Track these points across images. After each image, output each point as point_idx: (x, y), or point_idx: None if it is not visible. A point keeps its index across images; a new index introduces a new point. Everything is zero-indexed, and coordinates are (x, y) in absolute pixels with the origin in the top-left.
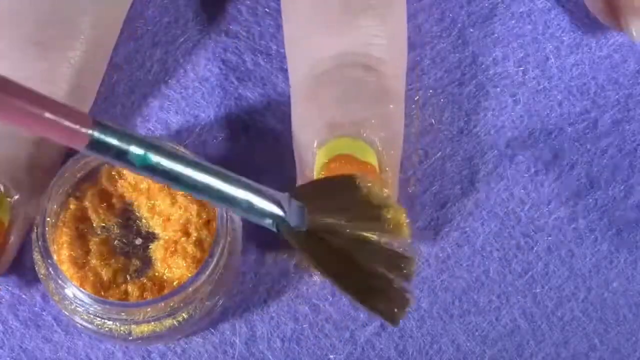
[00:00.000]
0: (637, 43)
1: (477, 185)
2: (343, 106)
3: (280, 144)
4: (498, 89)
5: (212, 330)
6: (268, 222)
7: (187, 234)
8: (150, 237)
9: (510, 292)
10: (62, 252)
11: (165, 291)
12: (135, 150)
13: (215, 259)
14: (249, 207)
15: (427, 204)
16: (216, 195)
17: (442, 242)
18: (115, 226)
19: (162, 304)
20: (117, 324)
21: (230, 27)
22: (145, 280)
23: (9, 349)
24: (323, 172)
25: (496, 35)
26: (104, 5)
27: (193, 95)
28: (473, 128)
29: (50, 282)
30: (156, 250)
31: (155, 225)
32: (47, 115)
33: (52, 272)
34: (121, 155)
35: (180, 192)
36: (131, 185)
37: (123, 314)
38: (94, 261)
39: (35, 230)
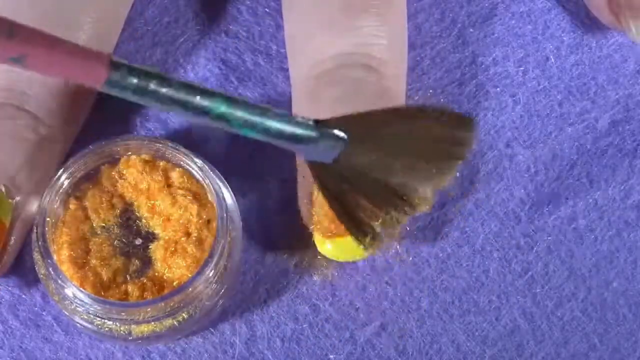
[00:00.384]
0: (637, 43)
1: (477, 185)
2: (343, 106)
3: None
4: (498, 89)
5: (212, 330)
6: (296, 146)
7: (187, 234)
8: (150, 237)
9: (510, 292)
10: (62, 252)
11: (165, 291)
12: (153, 86)
13: (215, 259)
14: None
15: None
16: (244, 120)
17: (442, 242)
18: (115, 226)
19: (162, 304)
20: (117, 324)
21: (230, 27)
22: (145, 280)
23: (9, 349)
24: None
25: (496, 35)
26: (105, 5)
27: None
28: None
29: (50, 282)
30: (156, 250)
31: (155, 225)
32: (67, 55)
33: (52, 272)
34: (139, 92)
35: (181, 192)
36: (131, 185)
37: (123, 314)
38: (94, 261)
39: (35, 230)
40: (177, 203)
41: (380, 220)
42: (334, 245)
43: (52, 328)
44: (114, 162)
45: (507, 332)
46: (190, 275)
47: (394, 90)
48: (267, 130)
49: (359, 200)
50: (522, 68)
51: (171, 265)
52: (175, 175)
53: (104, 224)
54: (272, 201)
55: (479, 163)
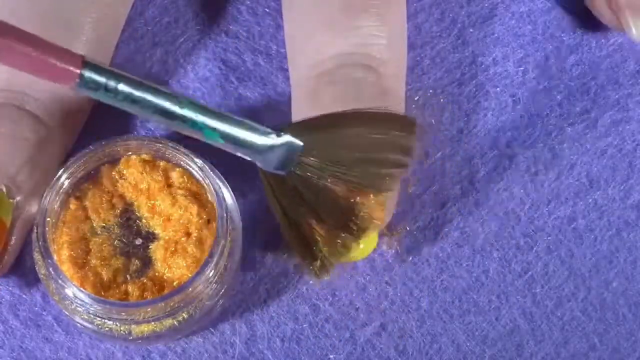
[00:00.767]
0: (637, 43)
1: (477, 185)
2: (343, 106)
3: None
4: (498, 89)
5: (212, 330)
6: (246, 156)
7: (187, 234)
8: (150, 237)
9: (510, 292)
10: (63, 252)
11: (165, 291)
12: (124, 87)
13: (215, 259)
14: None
15: (427, 204)
16: (205, 127)
17: (442, 242)
18: (115, 226)
19: (162, 304)
20: (117, 323)
21: (230, 27)
22: (145, 280)
23: (9, 349)
24: None
25: (496, 35)
26: (105, 5)
27: (193, 95)
28: (473, 128)
29: (50, 282)
30: (156, 250)
31: (155, 225)
32: (39, 54)
33: (52, 272)
34: (110, 92)
35: (181, 192)
36: (131, 185)
37: (123, 313)
38: (94, 261)
39: (35, 230)
40: (177, 203)
41: (329, 246)
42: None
43: (52, 328)
44: (114, 162)
45: (507, 332)
46: (190, 275)
47: (393, 90)
48: (228, 136)
49: (312, 222)
50: (522, 68)
51: (171, 265)
52: (175, 175)
53: (104, 224)
54: None
55: (479, 163)
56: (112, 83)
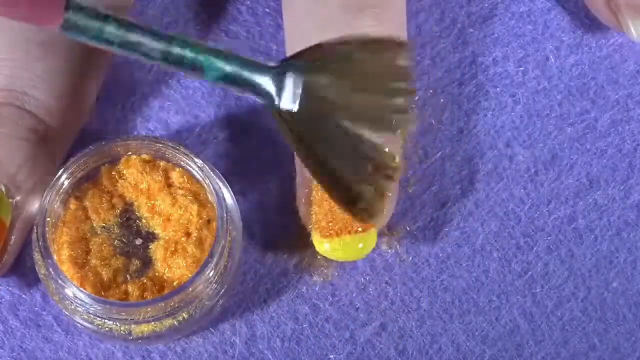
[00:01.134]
0: (637, 43)
1: (477, 185)
2: None
3: (280, 144)
4: (498, 89)
5: (212, 330)
6: (257, 97)
7: (187, 234)
8: (150, 237)
9: (510, 292)
10: (62, 252)
11: (165, 291)
12: (114, 29)
13: (215, 259)
14: (229, 75)
15: (427, 204)
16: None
17: (442, 242)
18: (115, 226)
19: (162, 304)
20: (117, 323)
21: (230, 27)
22: (145, 280)
23: (9, 349)
24: None
25: (496, 35)
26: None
27: (193, 95)
28: (473, 128)
29: (50, 282)
30: (156, 250)
31: (155, 225)
32: None
33: (52, 272)
34: (97, 36)
35: (181, 192)
36: (131, 185)
37: (123, 313)
38: (94, 261)
39: (35, 230)
40: (177, 203)
41: (365, 187)
42: (332, 245)
43: (52, 328)
44: (114, 162)
45: (507, 332)
46: (190, 275)
47: None
48: (232, 75)
49: (339, 164)
50: (522, 68)
51: (171, 265)
52: (175, 175)
53: (104, 224)
54: (272, 201)
55: (479, 163)
56: (99, 25)
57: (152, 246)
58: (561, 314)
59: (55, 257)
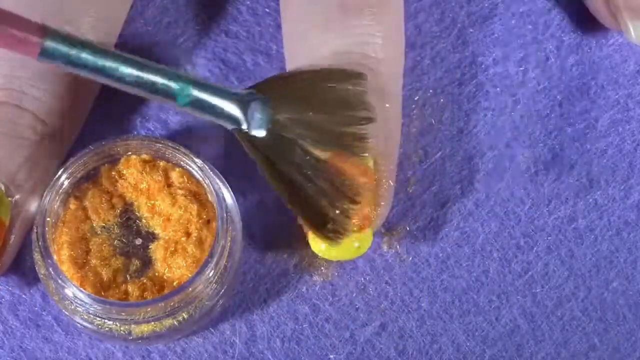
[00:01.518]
0: (636, 44)
1: (477, 185)
2: None
3: None
4: (498, 89)
5: (212, 330)
6: (225, 124)
7: (187, 234)
8: (150, 237)
9: (510, 292)
10: (62, 252)
11: (165, 291)
12: (89, 56)
13: (215, 259)
14: (200, 103)
15: (427, 204)
16: (156, 90)
17: (442, 242)
18: (115, 226)
19: (162, 304)
20: (117, 323)
21: (230, 27)
22: (145, 280)
23: (9, 349)
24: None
25: (496, 35)
26: (105, 5)
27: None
28: (473, 128)
29: (50, 282)
30: (156, 250)
31: (155, 225)
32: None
33: (52, 272)
34: (73, 62)
35: (181, 192)
36: (131, 185)
37: (123, 313)
38: (94, 261)
39: (35, 230)
40: (177, 203)
41: (331, 210)
42: (328, 245)
43: (52, 328)
44: (114, 162)
45: (507, 332)
46: (190, 275)
47: (389, 89)
48: (201, 102)
49: (307, 187)
50: (522, 68)
51: (171, 265)
52: (175, 175)
53: (104, 224)
54: (272, 201)
55: (479, 163)
56: (76, 52)
57: (152, 246)
58: (561, 314)
59: (55, 257)
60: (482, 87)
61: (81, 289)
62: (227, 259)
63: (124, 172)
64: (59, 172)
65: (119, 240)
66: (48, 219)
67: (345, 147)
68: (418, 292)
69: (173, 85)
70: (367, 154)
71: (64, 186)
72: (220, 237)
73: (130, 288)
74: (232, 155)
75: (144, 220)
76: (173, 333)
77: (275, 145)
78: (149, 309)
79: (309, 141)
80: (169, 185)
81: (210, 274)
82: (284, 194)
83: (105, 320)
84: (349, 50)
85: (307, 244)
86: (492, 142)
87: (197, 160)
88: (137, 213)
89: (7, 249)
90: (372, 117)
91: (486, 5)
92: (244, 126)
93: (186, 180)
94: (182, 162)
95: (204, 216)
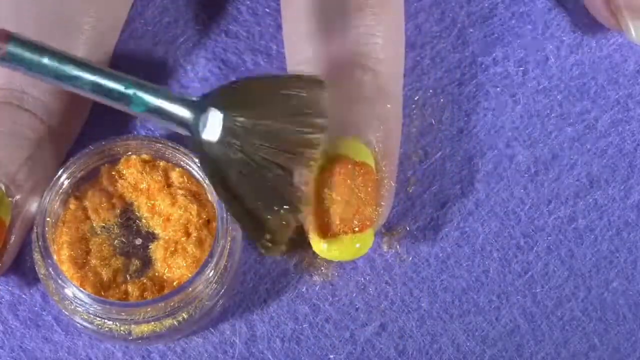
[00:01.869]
0: (636, 43)
1: (477, 185)
2: (340, 105)
3: None
4: (498, 89)
5: (212, 330)
6: (181, 130)
7: (187, 234)
8: (150, 237)
9: (510, 292)
10: (62, 252)
11: (165, 291)
12: (49, 61)
13: (215, 259)
14: (153, 108)
15: (427, 204)
16: (115, 96)
17: (442, 242)
18: (115, 226)
19: (162, 304)
20: (117, 323)
21: (230, 27)
22: (145, 280)
23: (9, 349)
24: (320, 173)
25: (496, 35)
26: (105, 5)
27: (192, 95)
28: (473, 128)
29: (50, 282)
30: (156, 250)
31: (155, 225)
32: None
33: (52, 272)
34: (34, 67)
35: (181, 192)
36: (131, 185)
37: (123, 313)
38: (94, 261)
39: (35, 230)
40: (177, 203)
41: (271, 219)
42: (329, 245)
43: (52, 328)
44: (114, 162)
45: (507, 332)
46: (190, 275)
47: (389, 89)
48: (155, 108)
49: (250, 196)
50: (522, 68)
51: (171, 265)
52: (175, 175)
53: (104, 224)
54: None
55: (479, 163)
56: (37, 58)
57: (152, 246)
58: (561, 314)
59: (55, 257)
60: (482, 87)
61: (81, 289)
62: (227, 259)
63: (124, 172)
64: (59, 172)
65: (119, 240)
66: (48, 219)
67: (294, 155)
68: (418, 292)
69: (129, 92)
70: (312, 164)
71: (64, 186)
72: (220, 237)
73: (130, 288)
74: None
75: (144, 220)
76: (173, 333)
77: (224, 152)
78: (149, 309)
79: (258, 147)
80: (169, 185)
81: (210, 274)
82: (226, 201)
83: (105, 320)
84: (349, 50)
85: (308, 244)
86: (492, 142)
87: (197, 160)
88: (137, 213)
89: (7, 249)
90: (324, 125)
91: (486, 5)
92: (197, 134)
93: (186, 180)
94: (182, 162)
95: (204, 216)
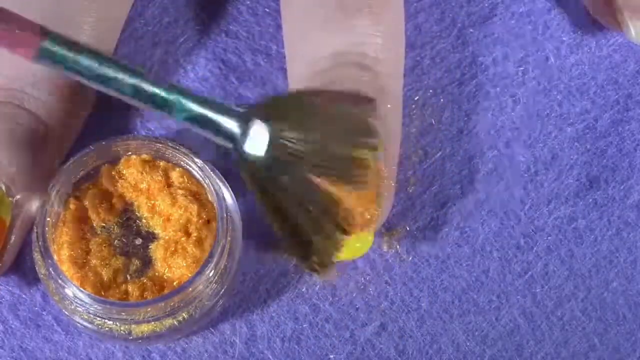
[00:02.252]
0: (636, 43)
1: (477, 185)
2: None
3: None
4: (498, 89)
5: (212, 330)
6: (223, 142)
7: (187, 233)
8: (150, 237)
9: (510, 291)
10: (62, 252)
11: (165, 291)
12: (88, 61)
13: (215, 259)
14: (198, 117)
15: (427, 204)
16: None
17: (442, 242)
18: (115, 226)
19: (162, 304)
20: (117, 323)
21: (230, 27)
22: (145, 280)
23: (9, 349)
24: None
25: (496, 35)
26: (105, 5)
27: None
28: (473, 128)
29: (50, 282)
30: (156, 250)
31: (155, 225)
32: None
33: (52, 272)
34: (71, 67)
35: (181, 192)
36: (131, 185)
37: (123, 313)
38: (94, 261)
39: (35, 230)
40: (177, 203)
41: (318, 240)
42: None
43: (52, 328)
44: (114, 162)
45: (507, 332)
46: (190, 275)
47: (389, 89)
48: (199, 117)
49: (297, 215)
50: (522, 68)
51: (171, 265)
52: (175, 175)
53: (104, 224)
54: None
55: (479, 163)
56: (74, 56)
57: (152, 246)
58: (561, 314)
59: (55, 257)
60: (482, 87)
61: (81, 289)
62: (227, 259)
63: (124, 172)
64: (59, 172)
65: (119, 240)
66: (48, 219)
67: (344, 175)
68: (418, 292)
69: (172, 98)
70: (365, 185)
71: (64, 186)
72: (220, 237)
73: (130, 288)
74: (232, 155)
75: (144, 220)
76: (173, 333)
77: (270, 168)
78: (149, 309)
79: (307, 165)
80: (169, 185)
81: (210, 274)
82: (273, 219)
83: (105, 320)
84: (349, 50)
85: None
86: (492, 142)
87: (197, 160)
88: (137, 213)
89: (7, 249)
90: (375, 145)
91: (486, 5)
92: (241, 146)
93: (186, 180)
94: (182, 162)
95: (204, 216)
